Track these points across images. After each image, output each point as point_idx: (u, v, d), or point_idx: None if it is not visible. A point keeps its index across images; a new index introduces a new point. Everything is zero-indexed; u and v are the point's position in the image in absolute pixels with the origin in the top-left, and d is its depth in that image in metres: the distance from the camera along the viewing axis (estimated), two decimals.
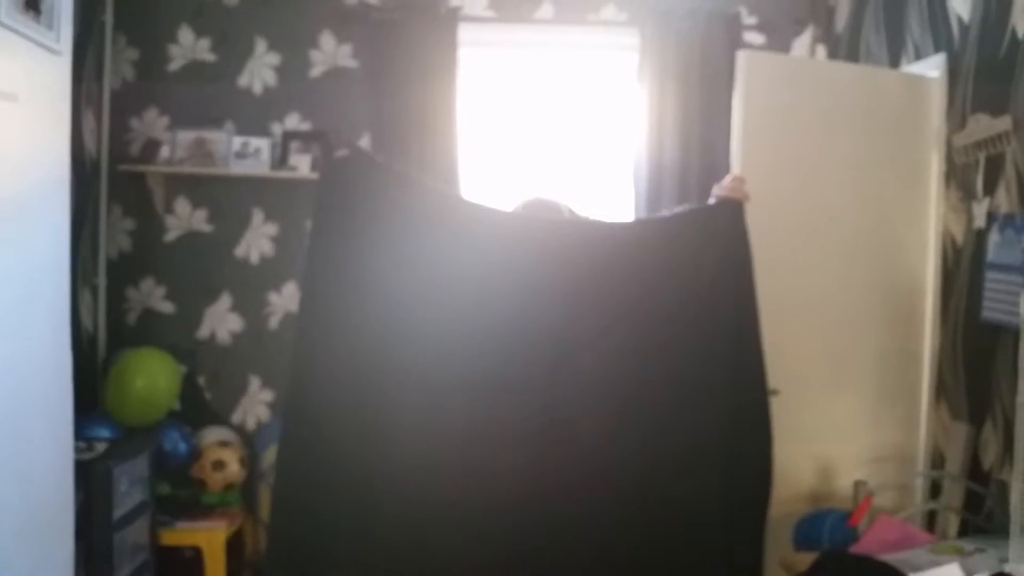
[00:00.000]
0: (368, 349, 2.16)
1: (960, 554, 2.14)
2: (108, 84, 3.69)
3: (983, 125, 2.66)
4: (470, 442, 2.22)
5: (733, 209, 2.38)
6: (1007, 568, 2.02)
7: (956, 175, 2.87)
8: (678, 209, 2.78)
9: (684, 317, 2.32)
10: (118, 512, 3.00)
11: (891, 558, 2.05)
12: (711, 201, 2.47)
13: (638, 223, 2.74)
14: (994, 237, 2.59)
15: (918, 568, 1.92)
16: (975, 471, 2.63)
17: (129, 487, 3.10)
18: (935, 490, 2.85)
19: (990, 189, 2.64)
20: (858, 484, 2.46)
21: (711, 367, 2.31)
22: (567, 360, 2.27)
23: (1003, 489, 2.40)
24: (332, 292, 2.17)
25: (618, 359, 2.29)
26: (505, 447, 2.23)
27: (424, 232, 2.24)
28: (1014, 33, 2.52)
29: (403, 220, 2.23)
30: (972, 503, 2.60)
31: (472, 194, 3.69)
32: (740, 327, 2.33)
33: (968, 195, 2.78)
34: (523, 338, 2.25)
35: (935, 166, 2.97)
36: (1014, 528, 2.05)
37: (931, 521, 2.81)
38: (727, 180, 2.44)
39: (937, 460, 2.91)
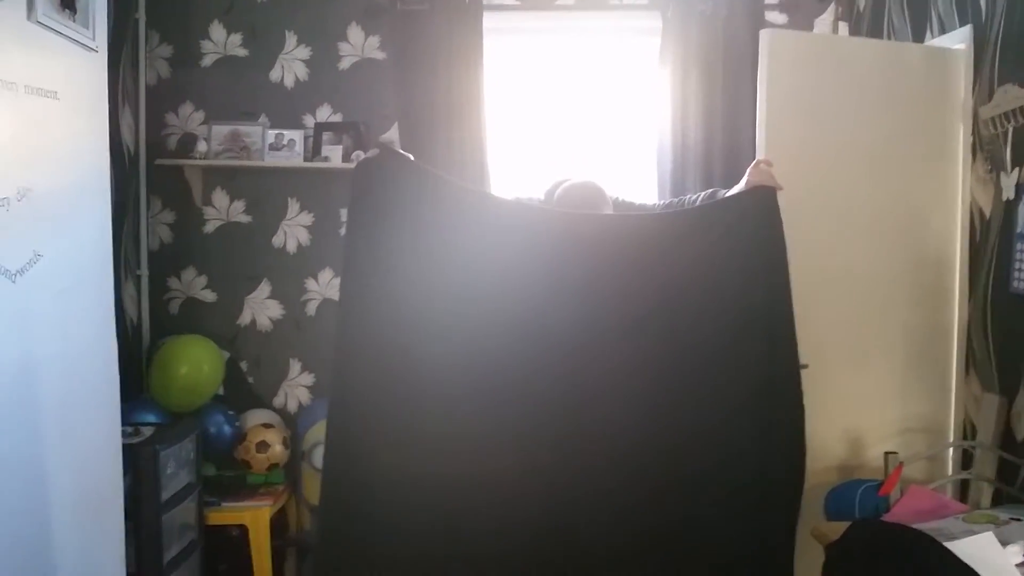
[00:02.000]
0: (403, 345, 2.22)
1: (995, 523, 2.15)
2: (144, 80, 3.78)
3: (1011, 96, 2.65)
4: (503, 435, 2.26)
5: (766, 195, 2.42)
6: None
7: (983, 147, 2.86)
8: (709, 193, 2.81)
9: (718, 302, 2.36)
10: (166, 494, 3.08)
11: (924, 527, 2.06)
12: (743, 186, 2.50)
13: (671, 214, 2.75)
14: (1023, 208, 2.59)
15: (952, 537, 1.92)
16: (1008, 442, 2.63)
17: (176, 469, 3.19)
18: (967, 462, 2.85)
19: (1019, 160, 2.63)
20: (888, 455, 2.48)
21: (744, 346, 2.35)
22: (600, 354, 2.32)
23: None
24: (368, 288, 2.23)
25: (649, 348, 2.34)
26: (536, 440, 2.27)
27: (453, 228, 2.29)
28: None
29: (432, 216, 2.28)
30: (1006, 474, 2.60)
31: (501, 183, 3.74)
32: (773, 308, 2.37)
33: (996, 167, 2.77)
34: (555, 332, 2.29)
35: (962, 139, 2.96)
36: None
37: (963, 492, 2.81)
38: (759, 165, 2.47)
39: (968, 432, 2.91)
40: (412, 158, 2.38)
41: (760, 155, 2.78)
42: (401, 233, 2.24)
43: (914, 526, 2.05)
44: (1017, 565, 1.88)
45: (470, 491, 2.23)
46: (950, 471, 2.91)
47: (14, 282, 2.21)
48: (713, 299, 2.36)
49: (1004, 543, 1.96)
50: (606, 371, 2.32)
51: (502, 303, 2.28)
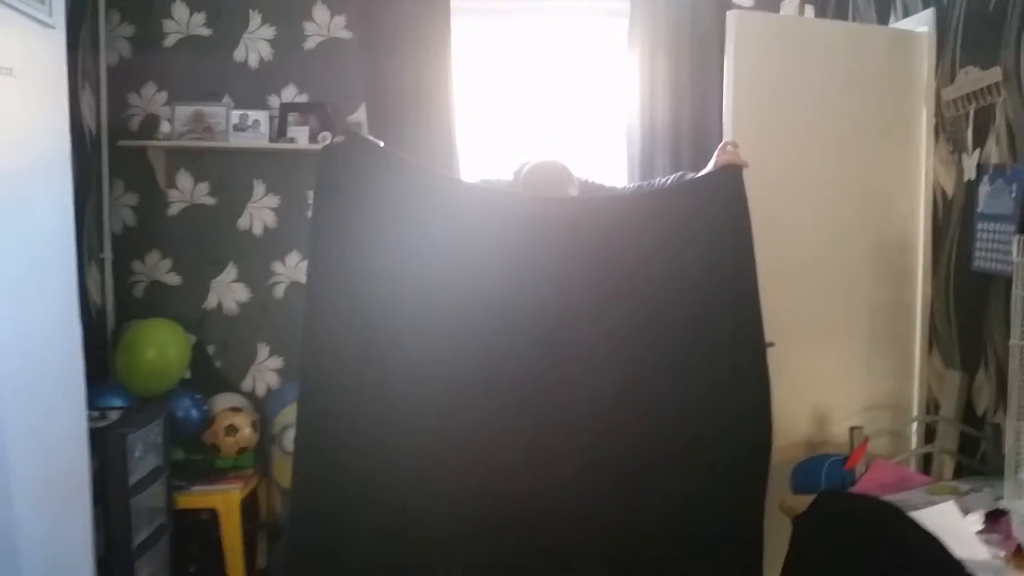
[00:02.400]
0: (372, 330, 2.22)
1: (956, 494, 2.21)
2: (104, 60, 3.71)
3: (972, 78, 2.70)
4: (472, 415, 2.27)
5: (732, 174, 2.44)
6: (1001, 505, 2.09)
7: (945, 129, 2.91)
8: (678, 176, 2.83)
9: (684, 282, 2.38)
10: (134, 477, 3.06)
11: (888, 499, 2.08)
12: (710, 167, 2.52)
13: (638, 195, 2.76)
14: (984, 188, 2.64)
15: (915, 508, 1.96)
16: (969, 417, 2.70)
17: (144, 453, 3.16)
18: (930, 437, 2.92)
19: (980, 141, 2.69)
20: (854, 430, 2.53)
21: (710, 326, 2.38)
22: (569, 335, 2.33)
23: (997, 432, 2.48)
24: (335, 276, 2.22)
25: (617, 330, 2.35)
26: (506, 420, 2.29)
27: (420, 214, 2.29)
28: None
29: (400, 201, 2.27)
30: (967, 447, 2.67)
31: (470, 164, 3.73)
32: (738, 287, 2.40)
33: (958, 148, 2.82)
34: (523, 315, 2.30)
35: (925, 121, 3.01)
36: (1008, 467, 2.11)
37: (927, 466, 2.88)
38: (726, 147, 2.49)
39: (931, 408, 2.98)
40: (380, 144, 2.37)
41: (727, 136, 2.81)
42: (368, 220, 2.24)
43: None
44: (977, 533, 1.93)
45: (441, 471, 2.24)
46: (914, 446, 2.98)
47: None
48: (679, 279, 2.38)
49: (965, 512, 2.02)
50: (575, 352, 2.33)
51: (470, 287, 2.29)
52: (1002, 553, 1.89)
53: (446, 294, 2.27)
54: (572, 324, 2.33)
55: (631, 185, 3.20)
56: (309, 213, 3.73)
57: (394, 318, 2.24)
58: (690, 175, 2.73)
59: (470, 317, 2.28)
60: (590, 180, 2.97)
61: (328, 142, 3.43)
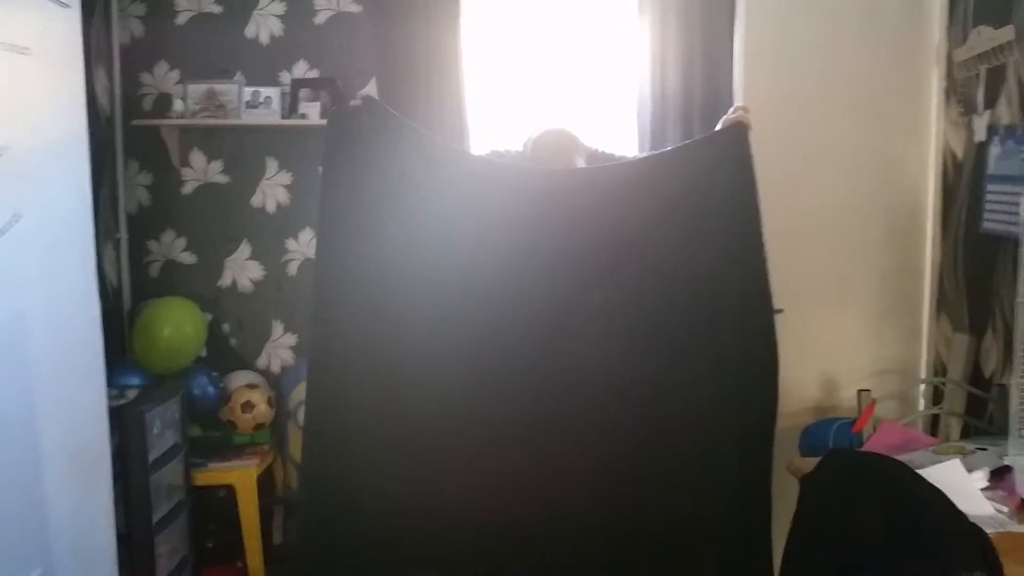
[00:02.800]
0: (381, 302, 2.24)
1: (962, 454, 2.22)
2: (117, 39, 3.74)
3: (985, 37, 2.67)
4: (481, 387, 2.28)
5: (737, 131, 2.40)
6: (1005, 462, 2.10)
7: (956, 90, 2.89)
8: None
9: (691, 247, 2.36)
10: (153, 454, 3.10)
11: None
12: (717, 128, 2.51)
13: (643, 160, 2.75)
14: (995, 150, 2.63)
15: (921, 467, 1.98)
16: (977, 379, 2.70)
17: (162, 430, 3.21)
18: (937, 400, 2.93)
19: (991, 103, 2.67)
20: (861, 393, 2.54)
21: (717, 290, 2.35)
22: (577, 304, 2.33)
23: (1004, 393, 2.47)
24: (344, 246, 2.24)
25: (627, 298, 2.34)
26: (515, 391, 2.29)
27: (430, 184, 2.30)
28: None
29: (410, 174, 2.28)
30: (975, 409, 2.67)
31: (481, 136, 3.74)
32: (747, 252, 2.36)
33: (968, 109, 2.81)
34: (533, 286, 2.31)
35: (935, 82, 3.00)
36: (1012, 424, 2.13)
37: (934, 428, 2.89)
38: (736, 112, 2.48)
39: (939, 371, 2.98)
40: (393, 112, 2.37)
41: (737, 101, 2.81)
42: (378, 192, 2.24)
43: None
44: (981, 489, 1.95)
45: (450, 443, 2.27)
46: (922, 408, 2.99)
47: None
48: (686, 244, 2.36)
49: (970, 470, 2.03)
50: (583, 320, 2.34)
51: (479, 258, 2.30)
52: (1006, 508, 1.91)
53: (454, 264, 2.28)
54: (580, 291, 2.33)
55: (642, 155, 3.19)
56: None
57: (402, 288, 2.25)
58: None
59: (478, 287, 2.29)
60: (600, 150, 2.98)
61: (341, 105, 3.45)
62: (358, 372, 2.24)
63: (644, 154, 3.18)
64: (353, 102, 2.37)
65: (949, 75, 2.94)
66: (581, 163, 2.74)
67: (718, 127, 2.51)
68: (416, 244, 2.27)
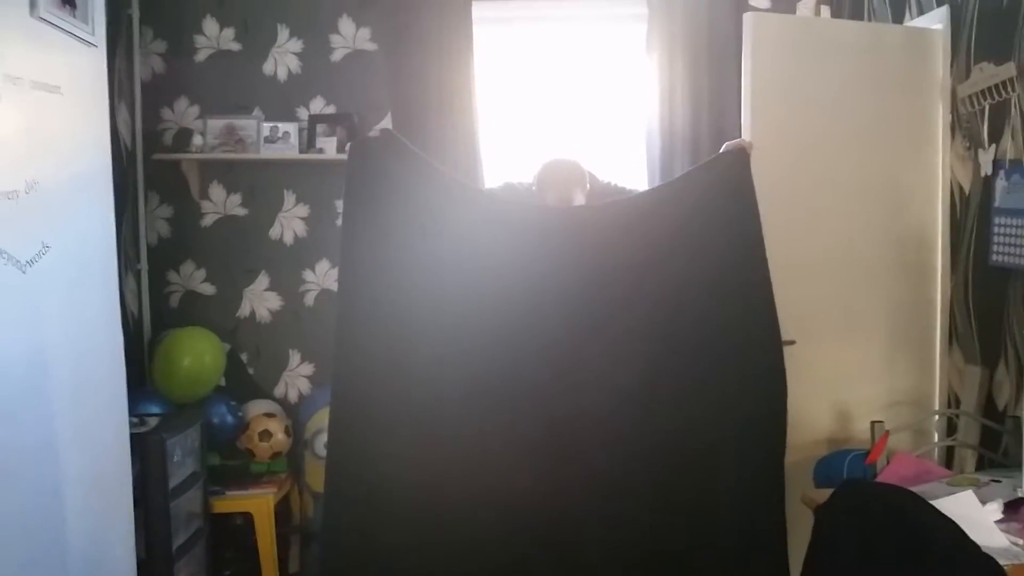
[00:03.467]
0: (401, 338, 2.28)
1: (976, 485, 2.23)
2: (139, 76, 3.83)
3: (987, 74, 2.73)
4: (496, 422, 2.31)
5: (737, 158, 2.41)
6: (1020, 494, 2.12)
7: (961, 125, 2.94)
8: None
9: (695, 279, 2.36)
10: (173, 482, 3.13)
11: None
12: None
13: (651, 192, 2.78)
14: (1001, 183, 2.67)
15: (935, 498, 1.98)
16: (990, 412, 2.72)
17: (182, 458, 3.24)
18: (951, 432, 2.94)
19: (995, 137, 2.72)
20: (875, 424, 2.56)
21: (725, 322, 2.36)
22: (587, 340, 2.35)
23: (1018, 425, 2.50)
24: (366, 281, 2.28)
25: (631, 333, 2.36)
26: (529, 424, 2.32)
27: (448, 221, 2.33)
28: None
29: (426, 209, 2.32)
30: (989, 441, 2.69)
31: (493, 169, 3.80)
32: (750, 278, 2.35)
33: (974, 144, 2.85)
34: (544, 324, 2.33)
35: (940, 117, 3.04)
36: None
37: (948, 460, 2.91)
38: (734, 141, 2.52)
39: (952, 403, 3.00)
40: (410, 145, 2.43)
41: (745, 136, 2.85)
42: (396, 216, 2.28)
43: None
44: (996, 521, 1.96)
45: (467, 477, 2.28)
46: (935, 440, 3.00)
47: (24, 272, 2.26)
48: (691, 277, 2.36)
49: (984, 502, 2.05)
50: (591, 357, 2.36)
51: (497, 292, 2.33)
52: (1020, 540, 1.92)
53: (470, 300, 2.31)
54: (590, 327, 2.35)
55: (650, 188, 3.24)
56: (338, 222, 3.85)
57: (420, 328, 2.28)
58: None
59: (494, 323, 2.32)
60: (611, 183, 3.03)
61: (361, 137, 3.51)
62: (379, 404, 2.27)
63: (652, 187, 3.22)
64: (372, 133, 2.42)
65: (953, 110, 2.99)
66: (581, 195, 2.78)
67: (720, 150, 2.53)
68: (434, 277, 2.31)
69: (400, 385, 2.28)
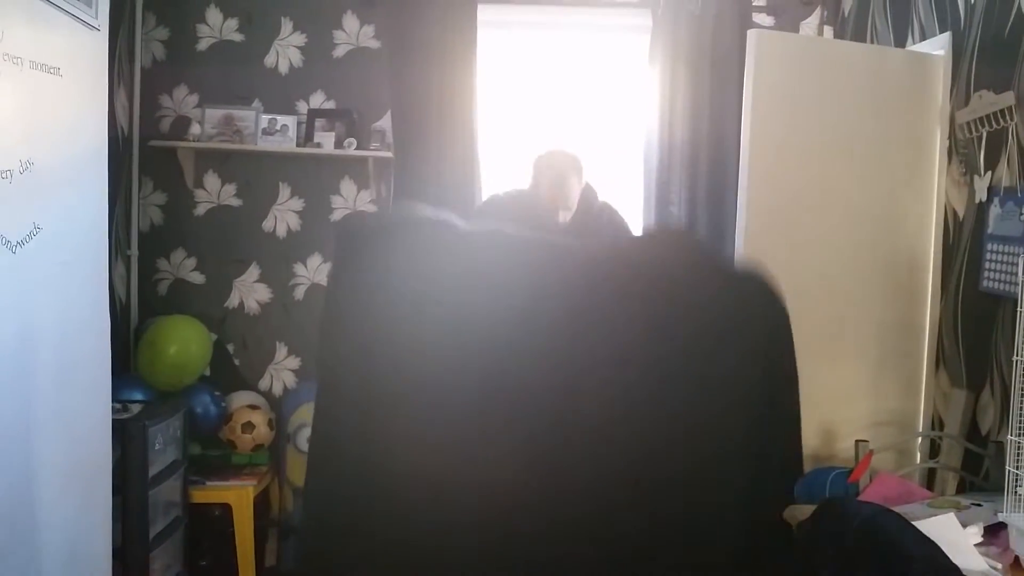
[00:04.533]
0: (381, 376, 2.19)
1: (957, 508, 2.24)
2: (139, 62, 3.82)
3: (986, 101, 2.74)
4: (491, 441, 2.22)
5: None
6: (1000, 518, 2.13)
7: (959, 151, 2.96)
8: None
9: (706, 347, 2.27)
10: (153, 470, 3.13)
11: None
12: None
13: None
14: (995, 210, 2.69)
15: (916, 519, 1.98)
16: (974, 436, 2.74)
17: (163, 446, 3.24)
18: (934, 454, 2.96)
19: (992, 164, 2.73)
20: (859, 443, 2.57)
21: (738, 379, 2.29)
22: (588, 385, 2.25)
23: (1000, 450, 2.50)
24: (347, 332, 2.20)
25: (640, 379, 2.26)
26: (527, 449, 2.22)
27: (431, 273, 2.23)
28: (1020, 11, 2.59)
29: (412, 267, 2.22)
30: (971, 465, 2.70)
31: (491, 174, 3.79)
32: (770, 357, 2.32)
33: (970, 170, 2.87)
34: (544, 363, 2.24)
35: (938, 142, 3.06)
36: (1008, 481, 2.15)
37: (931, 481, 2.92)
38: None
39: (937, 425, 3.02)
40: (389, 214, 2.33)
41: (744, 151, 2.86)
42: (381, 282, 2.20)
43: None
44: (976, 544, 1.97)
45: (455, 487, 2.25)
46: (918, 461, 3.01)
47: (14, 253, 2.25)
48: (702, 351, 2.26)
49: (965, 525, 2.05)
50: (595, 401, 2.32)
51: (493, 333, 2.25)
52: (999, 565, 1.93)
53: (467, 341, 2.21)
54: (592, 371, 2.27)
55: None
56: (332, 217, 3.86)
57: (404, 373, 2.19)
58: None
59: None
60: (606, 206, 3.03)
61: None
62: (367, 416, 2.23)
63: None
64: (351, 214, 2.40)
65: (951, 135, 3.01)
66: (577, 184, 2.80)
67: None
68: (426, 322, 2.22)
69: (398, 386, 2.25)
